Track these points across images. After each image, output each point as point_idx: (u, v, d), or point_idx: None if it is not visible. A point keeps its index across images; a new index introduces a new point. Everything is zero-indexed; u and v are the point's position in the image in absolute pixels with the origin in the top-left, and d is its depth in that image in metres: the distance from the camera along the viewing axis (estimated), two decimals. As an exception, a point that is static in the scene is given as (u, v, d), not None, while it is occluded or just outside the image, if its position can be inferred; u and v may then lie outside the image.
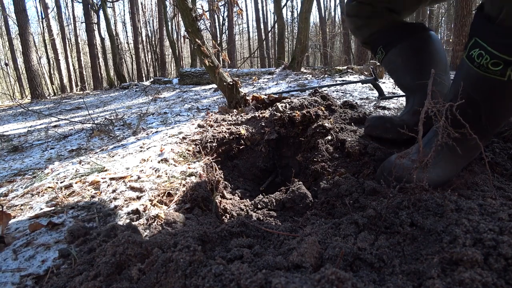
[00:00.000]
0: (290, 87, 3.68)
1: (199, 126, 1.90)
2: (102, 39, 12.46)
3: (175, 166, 1.28)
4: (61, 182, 1.24)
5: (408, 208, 0.56)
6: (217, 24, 15.01)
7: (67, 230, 0.80)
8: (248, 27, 25.89)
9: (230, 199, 1.19)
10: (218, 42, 12.77)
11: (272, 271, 0.43)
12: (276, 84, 4.19)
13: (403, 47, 1.07)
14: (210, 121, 1.91)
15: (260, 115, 1.72)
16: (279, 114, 1.54)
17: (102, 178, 1.20)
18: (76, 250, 0.72)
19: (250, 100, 2.39)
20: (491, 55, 0.63)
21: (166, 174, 1.19)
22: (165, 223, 0.74)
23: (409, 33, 1.07)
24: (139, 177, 1.18)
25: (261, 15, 19.94)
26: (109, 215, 0.92)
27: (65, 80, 17.81)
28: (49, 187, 1.20)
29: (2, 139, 2.72)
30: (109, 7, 12.72)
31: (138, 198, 1.01)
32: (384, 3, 1.05)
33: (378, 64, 3.77)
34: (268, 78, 4.91)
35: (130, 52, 21.33)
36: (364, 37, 1.17)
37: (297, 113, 1.46)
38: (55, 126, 3.20)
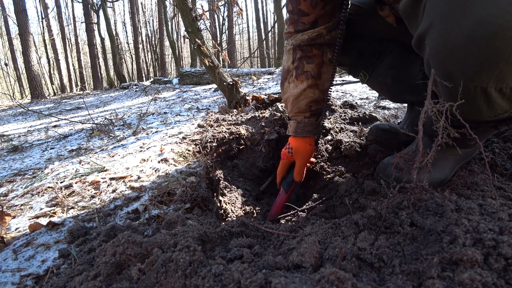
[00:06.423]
0: (290, 87, 3.67)
1: (199, 126, 1.90)
2: (102, 39, 12.45)
3: (175, 166, 1.28)
4: (61, 182, 1.24)
5: (408, 208, 0.56)
6: (217, 24, 15.01)
7: (67, 230, 0.80)
8: (248, 27, 25.88)
9: (230, 199, 1.19)
10: (218, 42, 12.77)
11: (272, 271, 0.43)
12: (276, 84, 4.19)
13: (387, 66, 1.01)
14: (210, 121, 1.91)
15: (260, 115, 1.72)
16: (279, 114, 1.54)
17: (102, 178, 1.20)
18: (76, 250, 0.72)
19: (250, 100, 2.39)
20: None
21: (166, 174, 1.18)
22: (165, 223, 0.74)
23: (387, 50, 1.01)
24: (139, 177, 1.18)
25: (261, 15, 19.94)
26: (109, 215, 0.92)
27: (65, 80, 17.84)
28: (49, 187, 1.20)
29: (2, 139, 2.72)
30: (109, 7, 12.72)
31: (138, 198, 1.01)
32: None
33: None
34: (268, 78, 4.91)
35: (130, 52, 21.33)
36: (345, 67, 1.12)
37: (297, 113, 1.46)
38: (55, 126, 3.20)
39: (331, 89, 0.99)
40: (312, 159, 1.15)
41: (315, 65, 0.93)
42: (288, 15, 0.94)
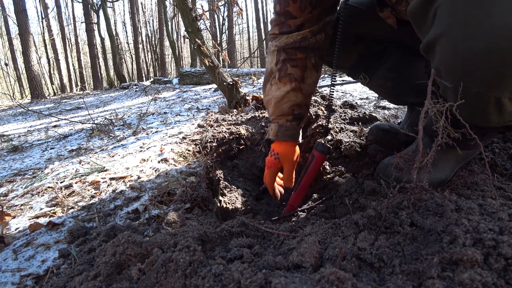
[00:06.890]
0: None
1: (199, 126, 1.90)
2: (102, 39, 12.44)
3: (175, 166, 1.28)
4: (61, 182, 1.24)
5: (408, 208, 0.56)
6: (217, 24, 15.01)
7: (67, 230, 0.80)
8: (248, 27, 25.87)
9: (230, 199, 1.19)
10: (218, 42, 12.76)
11: (272, 271, 0.43)
12: (276, 84, 4.18)
13: (387, 69, 1.00)
14: (210, 121, 1.91)
15: (260, 115, 1.72)
16: (279, 114, 1.54)
17: (102, 178, 1.20)
18: (76, 250, 0.72)
19: (250, 100, 2.39)
20: None
21: (166, 174, 1.18)
22: (165, 223, 0.74)
23: (387, 52, 1.01)
24: (139, 177, 1.18)
25: (261, 15, 19.93)
26: (109, 215, 0.92)
27: (65, 80, 17.84)
28: (49, 187, 1.20)
29: (2, 139, 2.72)
30: (109, 7, 12.71)
31: (138, 198, 1.01)
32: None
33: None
34: (268, 78, 4.89)
35: (130, 52, 21.32)
36: (344, 70, 1.11)
37: (297, 113, 1.45)
38: (55, 126, 3.20)
39: (333, 88, 0.98)
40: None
41: (298, 69, 0.91)
42: (274, 16, 0.92)
